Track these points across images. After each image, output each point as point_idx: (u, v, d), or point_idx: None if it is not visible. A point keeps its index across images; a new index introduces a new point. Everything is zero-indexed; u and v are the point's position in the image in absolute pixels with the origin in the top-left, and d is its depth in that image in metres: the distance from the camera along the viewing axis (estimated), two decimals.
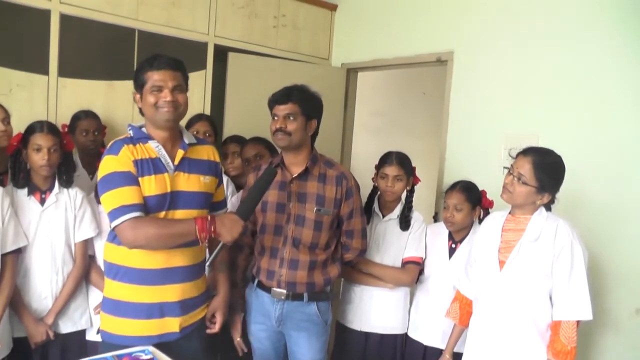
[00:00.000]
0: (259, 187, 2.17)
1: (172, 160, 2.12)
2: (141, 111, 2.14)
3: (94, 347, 2.63)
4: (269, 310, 2.46)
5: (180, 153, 2.13)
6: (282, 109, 2.37)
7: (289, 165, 2.45)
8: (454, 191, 2.69)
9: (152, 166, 2.07)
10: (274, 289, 2.43)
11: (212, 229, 2.01)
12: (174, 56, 2.15)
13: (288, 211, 2.42)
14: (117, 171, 2.01)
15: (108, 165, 2.03)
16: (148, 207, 2.04)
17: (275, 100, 2.41)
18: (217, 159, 2.31)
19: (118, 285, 2.12)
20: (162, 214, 2.08)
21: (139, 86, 2.09)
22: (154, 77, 2.05)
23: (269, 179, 2.18)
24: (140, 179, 2.03)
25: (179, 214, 2.10)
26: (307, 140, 2.45)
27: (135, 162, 2.03)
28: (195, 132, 3.01)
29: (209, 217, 2.03)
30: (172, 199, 2.09)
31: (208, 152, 2.28)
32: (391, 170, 2.77)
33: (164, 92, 2.05)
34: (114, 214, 1.98)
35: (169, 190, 2.08)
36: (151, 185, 2.05)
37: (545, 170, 2.19)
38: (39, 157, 2.42)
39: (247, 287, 2.57)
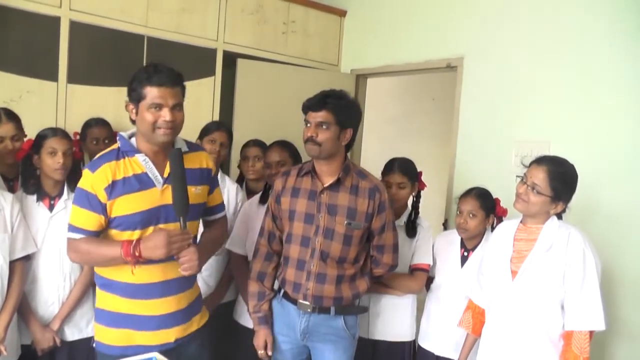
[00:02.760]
0: (175, 176, 1.98)
1: (162, 173, 2.06)
2: (133, 121, 2.07)
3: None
4: (294, 322, 2.40)
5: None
6: (315, 117, 2.28)
7: (320, 174, 2.37)
8: (469, 197, 2.65)
9: (138, 182, 2.02)
10: (300, 301, 2.37)
11: (137, 254, 1.94)
12: (175, 65, 2.07)
13: (317, 223, 2.34)
14: (85, 190, 2.00)
15: (84, 179, 2.02)
16: (135, 223, 2.02)
17: (310, 106, 2.30)
18: (210, 165, 2.24)
19: (115, 299, 2.09)
20: (151, 228, 2.03)
21: (135, 99, 2.00)
22: (154, 94, 1.96)
23: (178, 161, 1.98)
24: (120, 197, 1.99)
25: (171, 226, 2.05)
26: (341, 150, 2.36)
27: (114, 182, 1.99)
28: (212, 141, 2.95)
29: (133, 242, 1.95)
30: (162, 213, 2.05)
31: (201, 160, 2.21)
32: (393, 178, 2.73)
33: (163, 111, 1.97)
34: (69, 227, 2.06)
35: (157, 204, 2.04)
36: (134, 202, 2.01)
37: (560, 180, 2.16)
38: (54, 161, 2.42)
39: (273, 298, 2.49)
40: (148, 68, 2.00)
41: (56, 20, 3.19)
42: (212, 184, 2.27)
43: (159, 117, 1.97)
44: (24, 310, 2.44)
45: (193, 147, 2.25)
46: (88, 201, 1.99)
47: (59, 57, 3.22)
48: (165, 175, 2.05)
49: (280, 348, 2.46)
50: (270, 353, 2.46)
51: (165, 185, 2.04)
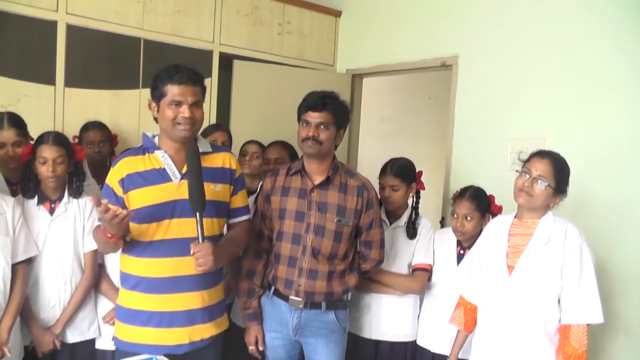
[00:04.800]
0: (191, 171, 2.03)
1: (180, 170, 2.12)
2: (156, 119, 2.15)
3: (103, 356, 2.64)
4: (286, 318, 2.43)
5: None
6: (316, 117, 2.32)
7: (310, 173, 2.42)
8: (464, 200, 2.64)
9: (154, 176, 2.10)
10: (292, 297, 2.40)
11: (108, 232, 1.98)
12: (191, 67, 2.14)
13: (308, 220, 2.38)
14: (106, 183, 2.14)
15: (108, 175, 2.15)
16: (150, 216, 2.08)
17: (309, 106, 2.35)
18: (234, 166, 2.29)
19: (129, 294, 2.16)
20: (166, 222, 2.10)
21: (157, 97, 2.09)
22: (174, 91, 2.05)
23: (195, 157, 2.04)
24: (135, 190, 2.08)
25: (186, 221, 2.10)
26: (333, 149, 2.43)
27: (129, 176, 2.09)
28: (213, 142, 2.99)
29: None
30: (177, 207, 2.10)
31: (224, 160, 2.27)
32: (386, 181, 2.75)
33: (182, 108, 2.06)
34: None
35: (173, 199, 2.10)
36: (150, 195, 2.08)
37: (561, 171, 2.20)
38: (45, 169, 2.43)
39: (263, 295, 2.53)
40: (170, 68, 2.09)
41: (53, 24, 3.20)
42: (236, 185, 2.30)
43: (178, 113, 2.06)
44: (25, 313, 2.45)
45: (217, 148, 2.33)
46: (107, 193, 2.12)
47: (56, 61, 3.23)
48: (184, 171, 2.11)
49: (273, 344, 2.49)
50: (261, 348, 2.50)
51: (182, 181, 2.11)
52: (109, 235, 1.98)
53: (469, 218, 2.62)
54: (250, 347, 2.52)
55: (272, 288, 2.47)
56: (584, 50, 3.01)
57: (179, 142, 2.13)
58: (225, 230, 2.36)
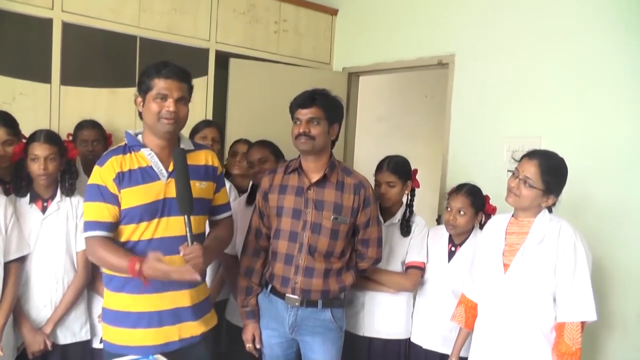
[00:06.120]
0: (179, 174, 2.02)
1: (167, 168, 2.12)
2: (140, 115, 2.14)
3: (100, 355, 2.62)
4: (282, 316, 2.43)
5: None
6: (305, 113, 2.34)
7: (307, 170, 2.42)
8: (460, 194, 2.65)
9: (142, 175, 2.09)
10: (288, 295, 2.41)
11: (141, 274, 1.97)
12: (180, 64, 2.14)
13: (304, 218, 2.39)
14: (95, 183, 2.08)
15: (93, 175, 2.10)
16: (140, 215, 2.07)
17: (299, 104, 2.37)
18: (216, 164, 2.30)
19: (116, 296, 2.14)
20: (155, 221, 2.09)
21: (143, 91, 2.09)
22: (160, 85, 2.05)
23: (182, 159, 2.02)
24: (125, 190, 2.06)
25: (174, 220, 2.10)
26: (328, 146, 2.43)
27: (121, 174, 2.07)
28: (203, 138, 3.03)
29: (138, 264, 1.96)
30: (166, 206, 2.10)
31: (206, 157, 2.27)
32: (382, 177, 2.76)
33: (167, 102, 2.05)
34: (85, 226, 2.11)
35: (161, 197, 2.09)
36: (140, 195, 2.07)
37: (551, 173, 2.19)
38: (36, 167, 2.43)
39: (260, 293, 2.53)
40: (159, 63, 2.09)
41: (48, 22, 3.20)
42: (218, 183, 2.31)
43: (163, 107, 2.05)
44: (16, 312, 2.43)
45: (199, 146, 2.33)
46: (100, 194, 2.06)
47: (52, 59, 3.23)
48: (170, 169, 2.11)
49: (269, 342, 2.50)
50: (258, 346, 2.51)
51: (169, 179, 2.10)
52: (144, 279, 1.97)
53: (462, 212, 2.63)
54: (248, 345, 2.52)
55: (269, 286, 2.47)
56: (582, 49, 3.01)
57: (163, 138, 2.12)
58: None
